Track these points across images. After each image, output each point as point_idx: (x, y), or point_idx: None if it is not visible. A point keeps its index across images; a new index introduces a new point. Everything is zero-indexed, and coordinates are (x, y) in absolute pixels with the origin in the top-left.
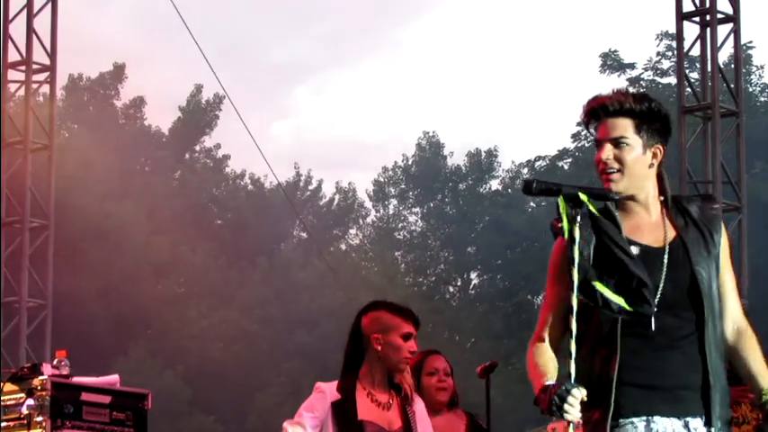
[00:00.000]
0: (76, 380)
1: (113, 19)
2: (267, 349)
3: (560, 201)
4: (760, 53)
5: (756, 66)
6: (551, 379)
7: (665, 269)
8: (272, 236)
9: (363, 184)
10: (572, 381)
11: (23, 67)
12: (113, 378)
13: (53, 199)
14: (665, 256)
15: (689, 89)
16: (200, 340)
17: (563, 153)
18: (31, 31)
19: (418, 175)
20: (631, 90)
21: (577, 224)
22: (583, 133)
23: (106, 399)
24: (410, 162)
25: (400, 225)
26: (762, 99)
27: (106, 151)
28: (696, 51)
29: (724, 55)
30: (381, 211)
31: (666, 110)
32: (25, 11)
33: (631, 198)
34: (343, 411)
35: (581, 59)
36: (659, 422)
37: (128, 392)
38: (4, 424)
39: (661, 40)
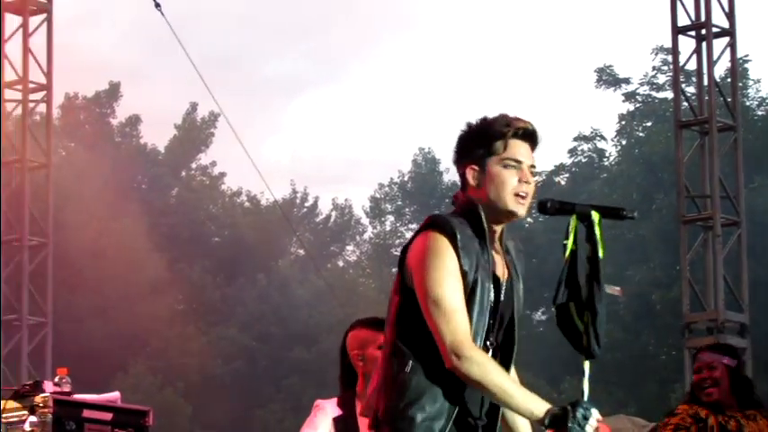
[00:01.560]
0: (78, 397)
1: (108, 37)
2: (266, 366)
3: (572, 219)
4: (756, 67)
5: (753, 79)
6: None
7: None
8: (270, 252)
9: (359, 200)
10: (586, 399)
11: (20, 87)
12: (114, 395)
13: (51, 217)
14: None
15: (685, 103)
16: (199, 357)
17: (559, 168)
18: (26, 50)
19: (414, 192)
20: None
21: (585, 245)
22: (579, 148)
23: (108, 416)
24: (406, 178)
25: (397, 241)
26: (759, 113)
27: (103, 169)
28: (692, 65)
29: (720, 69)
30: (378, 227)
31: None
32: (21, 30)
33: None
34: (346, 427)
35: (576, 75)
36: None
37: (129, 409)
38: None
39: (657, 54)
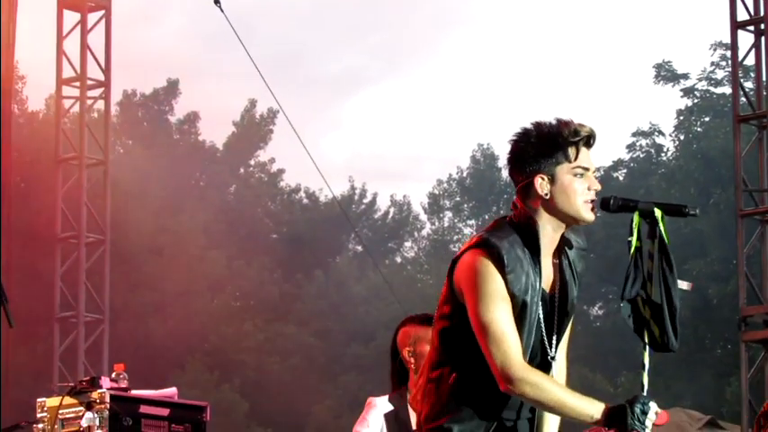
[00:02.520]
0: (135, 393)
1: (166, 34)
2: (323, 362)
3: (635, 216)
4: None
5: None
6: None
7: None
8: (328, 249)
9: (418, 196)
10: (645, 393)
11: (78, 83)
12: (171, 391)
13: (109, 214)
14: None
15: (744, 98)
16: (256, 354)
17: (618, 164)
18: (85, 46)
19: (473, 188)
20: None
21: (648, 241)
22: (638, 144)
23: (165, 411)
24: (464, 174)
25: (455, 237)
26: None
27: (161, 166)
28: (751, 60)
29: None
30: (437, 223)
31: None
32: (79, 27)
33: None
34: (398, 422)
35: (635, 70)
36: None
37: (186, 405)
38: None
39: (715, 50)
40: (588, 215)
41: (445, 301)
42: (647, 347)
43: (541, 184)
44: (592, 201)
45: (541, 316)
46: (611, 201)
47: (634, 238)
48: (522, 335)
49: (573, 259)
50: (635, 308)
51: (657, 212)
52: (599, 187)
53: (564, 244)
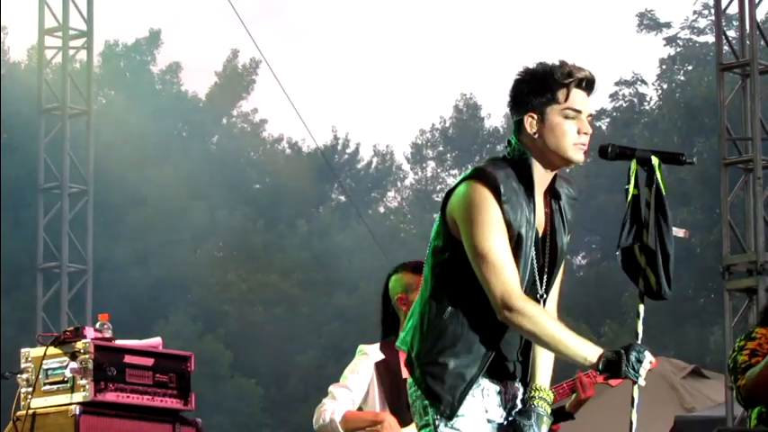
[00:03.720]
0: (119, 343)
1: None
2: (307, 312)
3: (633, 164)
4: None
5: None
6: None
7: None
8: (311, 199)
9: (401, 146)
10: (640, 341)
11: (60, 34)
12: (156, 341)
13: (92, 164)
14: None
15: (727, 47)
16: (239, 304)
17: (600, 113)
18: None
19: (456, 137)
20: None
21: (645, 189)
22: (620, 93)
23: (149, 361)
24: (447, 124)
25: (438, 187)
26: None
27: (143, 117)
28: (734, 9)
29: (762, 12)
30: (419, 173)
31: None
32: None
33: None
34: (388, 371)
35: (617, 19)
36: None
37: (171, 354)
38: (47, 387)
39: None
40: (576, 155)
41: (437, 236)
42: (643, 296)
43: (531, 123)
44: (582, 144)
45: (533, 255)
46: (609, 148)
47: (631, 186)
48: (518, 268)
49: (563, 207)
50: (631, 256)
51: (655, 160)
52: (590, 131)
53: (554, 196)
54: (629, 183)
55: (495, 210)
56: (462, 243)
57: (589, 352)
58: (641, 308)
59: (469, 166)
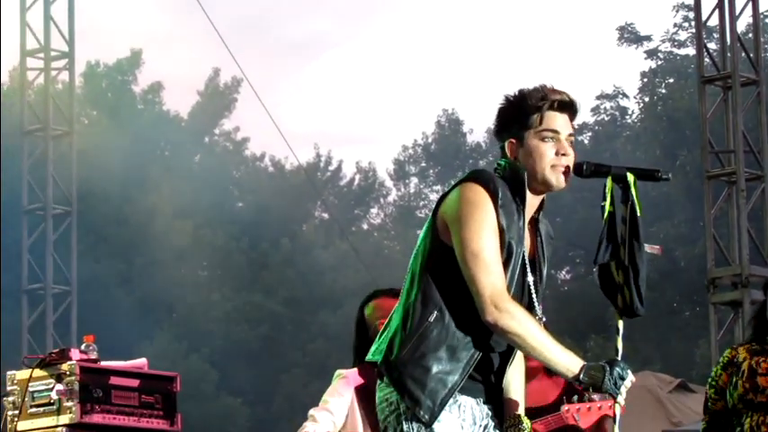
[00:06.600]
0: (105, 364)
1: (129, 3)
2: (291, 330)
3: (608, 181)
4: None
5: None
6: (578, 357)
7: None
8: (294, 217)
9: (383, 162)
10: (620, 358)
11: (42, 55)
12: (141, 362)
13: (75, 185)
14: None
15: (708, 59)
16: (224, 323)
17: (582, 127)
18: (48, 18)
19: (438, 153)
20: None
21: (621, 206)
22: (602, 107)
23: (135, 382)
24: (430, 140)
25: (421, 203)
26: None
27: (126, 137)
28: (714, 21)
29: (742, 24)
30: (402, 189)
31: None
32: None
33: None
34: (368, 396)
35: (598, 33)
36: None
37: (156, 375)
38: (34, 410)
39: (678, 11)
40: (555, 179)
41: (424, 240)
42: (620, 313)
43: (512, 149)
44: (564, 166)
45: (531, 280)
46: (584, 166)
47: (607, 203)
48: (506, 275)
49: (543, 242)
50: (608, 273)
51: (630, 177)
52: (570, 152)
53: (537, 226)
54: (604, 200)
55: (490, 211)
56: (450, 248)
57: (572, 363)
58: (620, 324)
59: (452, 182)
